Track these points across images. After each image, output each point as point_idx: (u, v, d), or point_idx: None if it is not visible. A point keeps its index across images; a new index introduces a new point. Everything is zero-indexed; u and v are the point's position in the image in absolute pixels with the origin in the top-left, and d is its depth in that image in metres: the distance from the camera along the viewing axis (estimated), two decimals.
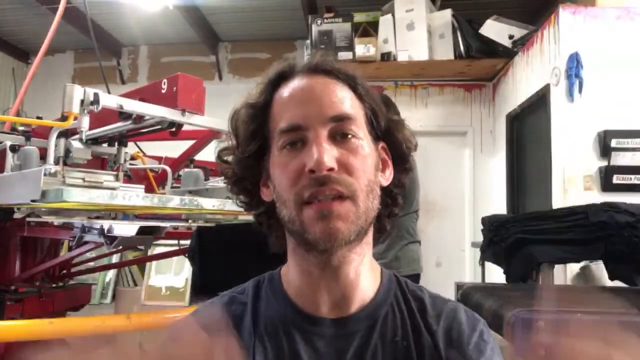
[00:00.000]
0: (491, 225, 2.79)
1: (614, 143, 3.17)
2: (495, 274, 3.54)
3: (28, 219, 2.29)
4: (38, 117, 2.51)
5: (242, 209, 0.72)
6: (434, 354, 0.62)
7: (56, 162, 1.84)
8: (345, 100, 0.63)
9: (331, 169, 0.57)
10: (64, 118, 1.67)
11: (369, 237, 0.64)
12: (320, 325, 0.62)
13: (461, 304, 0.70)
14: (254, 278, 0.71)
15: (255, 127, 0.65)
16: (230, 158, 0.69)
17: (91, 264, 3.74)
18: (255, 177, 0.67)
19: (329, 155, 0.57)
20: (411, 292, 0.69)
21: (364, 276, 0.64)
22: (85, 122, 1.69)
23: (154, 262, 5.69)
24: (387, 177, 0.67)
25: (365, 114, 0.65)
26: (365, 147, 0.62)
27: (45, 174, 1.59)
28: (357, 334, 0.62)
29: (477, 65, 4.62)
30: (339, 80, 0.64)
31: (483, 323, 0.68)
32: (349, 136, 0.61)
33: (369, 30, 4.59)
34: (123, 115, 1.89)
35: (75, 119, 1.68)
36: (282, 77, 0.65)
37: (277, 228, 0.67)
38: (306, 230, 0.58)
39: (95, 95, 1.66)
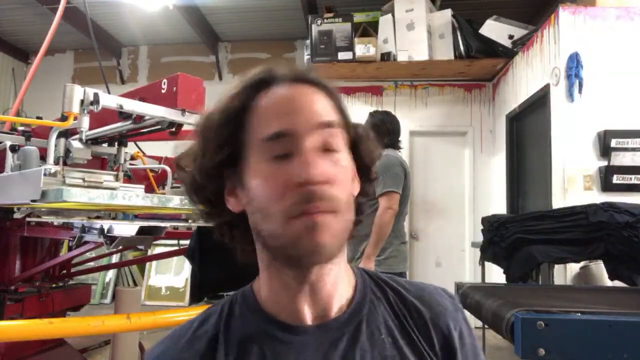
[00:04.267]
0: (491, 225, 2.79)
1: (613, 143, 3.17)
2: (495, 274, 3.55)
3: (28, 219, 2.29)
4: (38, 117, 2.51)
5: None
6: (424, 343, 0.63)
7: (56, 162, 1.84)
8: (331, 109, 0.62)
9: (321, 182, 0.56)
10: (64, 118, 1.67)
11: (345, 245, 0.64)
12: (304, 334, 0.61)
13: (434, 286, 0.71)
14: (229, 295, 0.68)
15: (227, 134, 0.62)
16: (189, 164, 0.65)
17: (91, 264, 3.75)
18: (218, 185, 0.64)
19: (321, 167, 0.56)
20: (386, 284, 0.69)
21: (341, 280, 0.65)
22: (85, 122, 1.69)
23: (154, 262, 5.69)
24: (355, 186, 0.66)
25: (342, 125, 0.64)
26: (347, 160, 0.62)
27: (45, 174, 1.59)
28: (342, 337, 0.61)
29: (477, 65, 4.62)
30: (321, 90, 0.63)
31: (460, 309, 0.70)
32: (335, 150, 0.60)
33: (369, 30, 4.59)
34: (123, 115, 1.89)
35: (75, 119, 1.68)
36: (262, 84, 0.63)
37: (242, 240, 0.65)
38: (292, 245, 0.56)
39: (95, 95, 1.66)
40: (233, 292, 0.69)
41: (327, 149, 0.59)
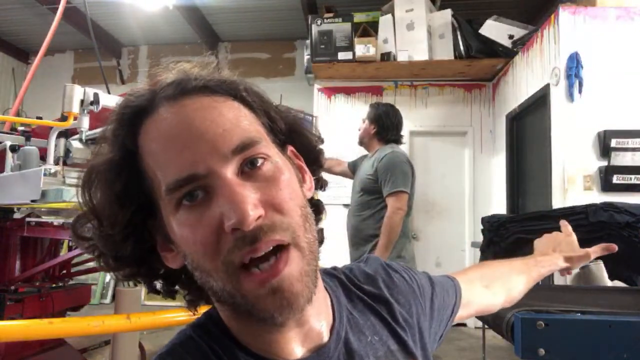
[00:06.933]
0: (491, 225, 2.79)
1: (613, 143, 3.17)
2: None
3: (28, 219, 2.29)
4: (38, 117, 2.51)
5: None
6: (396, 321, 0.61)
7: (56, 162, 1.84)
8: (239, 120, 0.48)
9: (259, 217, 0.44)
10: (64, 118, 1.68)
11: (318, 268, 0.53)
12: None
13: (365, 270, 0.66)
14: (173, 344, 0.51)
15: (121, 189, 0.48)
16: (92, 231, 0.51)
17: (91, 264, 3.74)
18: (142, 244, 0.50)
19: (251, 201, 0.44)
20: (350, 280, 0.63)
21: (322, 297, 0.55)
22: (85, 122, 1.70)
23: None
24: (309, 186, 0.56)
25: (263, 123, 0.52)
26: (283, 168, 0.49)
27: (45, 174, 1.59)
28: (339, 355, 0.54)
29: (477, 65, 4.62)
30: (220, 95, 0.50)
31: (374, 262, 0.68)
32: (260, 162, 0.47)
33: (369, 30, 4.60)
34: None
35: (75, 119, 1.68)
36: (143, 114, 0.49)
37: (193, 291, 0.53)
38: (254, 306, 0.45)
39: (95, 95, 1.67)
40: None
41: (252, 164, 0.47)
